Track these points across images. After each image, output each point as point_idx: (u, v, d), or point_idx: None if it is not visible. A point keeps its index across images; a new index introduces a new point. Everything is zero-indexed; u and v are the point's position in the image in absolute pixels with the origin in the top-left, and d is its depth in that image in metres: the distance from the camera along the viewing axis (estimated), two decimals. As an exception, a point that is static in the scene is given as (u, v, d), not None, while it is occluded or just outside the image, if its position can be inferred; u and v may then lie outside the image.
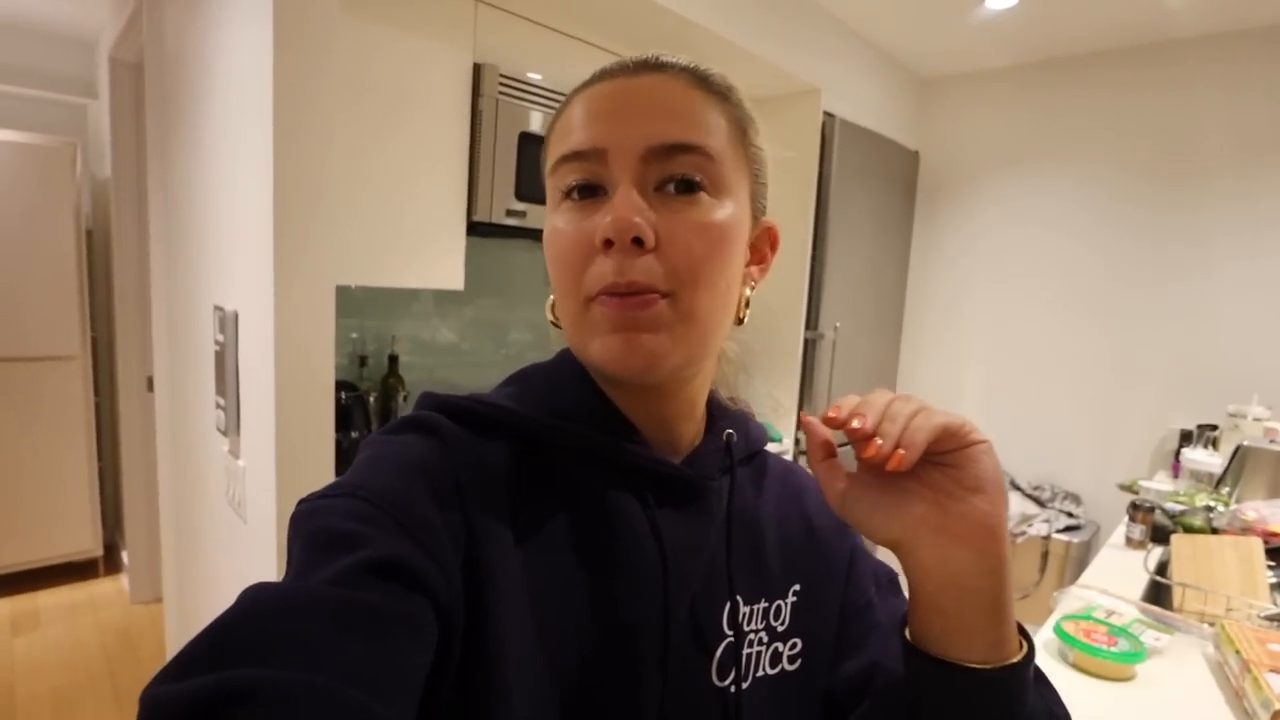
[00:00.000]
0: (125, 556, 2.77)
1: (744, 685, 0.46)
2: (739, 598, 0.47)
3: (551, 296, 0.47)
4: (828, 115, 2.26)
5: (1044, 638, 1.14)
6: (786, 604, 0.49)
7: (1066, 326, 2.60)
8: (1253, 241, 2.26)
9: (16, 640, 2.40)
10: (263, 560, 1.29)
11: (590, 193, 0.42)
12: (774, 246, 0.51)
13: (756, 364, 2.25)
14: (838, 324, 2.35)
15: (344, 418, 1.68)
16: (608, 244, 0.40)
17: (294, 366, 1.23)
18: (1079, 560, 2.33)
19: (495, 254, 2.13)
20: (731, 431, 0.50)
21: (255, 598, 0.31)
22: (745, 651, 0.46)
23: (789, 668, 0.48)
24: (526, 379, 0.49)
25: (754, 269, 0.49)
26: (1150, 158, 2.40)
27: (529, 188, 1.76)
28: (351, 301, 1.87)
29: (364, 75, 1.44)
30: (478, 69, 1.67)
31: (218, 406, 1.45)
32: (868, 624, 0.51)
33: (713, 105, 0.44)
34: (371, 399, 1.84)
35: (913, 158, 2.79)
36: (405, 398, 1.90)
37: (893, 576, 0.55)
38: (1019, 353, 2.71)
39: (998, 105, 2.70)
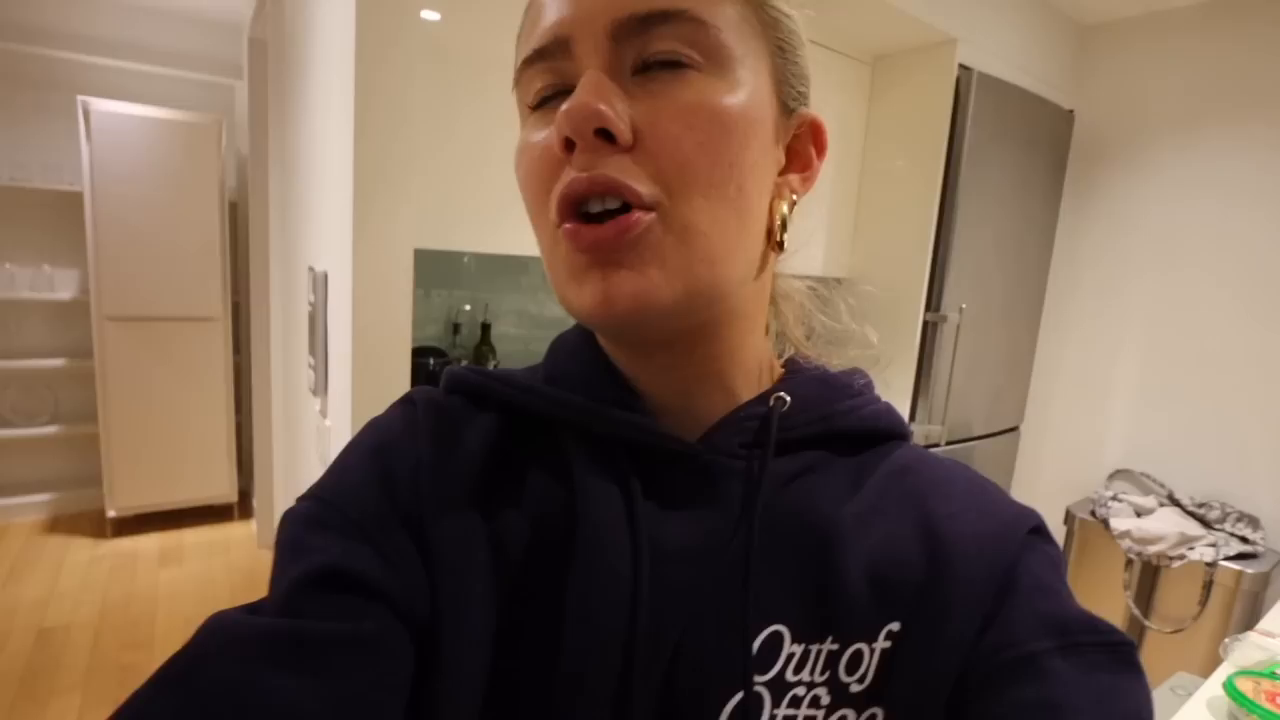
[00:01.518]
0: (255, 504, 3.02)
1: None
2: (783, 629, 0.32)
3: None
4: (964, 69, 1.99)
5: (1210, 694, 0.93)
6: (873, 651, 0.32)
7: (1250, 318, 2.18)
8: None
9: (163, 572, 2.67)
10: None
11: (559, 98, 0.32)
12: (820, 148, 0.38)
13: (870, 345, 2.02)
14: (964, 305, 2.10)
15: (432, 382, 1.69)
16: (568, 145, 0.30)
17: (371, 328, 1.23)
18: (1253, 595, 1.96)
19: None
20: (784, 395, 0.37)
21: (206, 637, 0.29)
22: (783, 712, 0.31)
23: None
24: (556, 342, 0.43)
25: (793, 177, 0.37)
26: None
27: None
28: (461, 271, 1.88)
29: (441, 38, 1.41)
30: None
31: (309, 366, 1.49)
32: (1018, 701, 0.29)
33: None
34: (463, 364, 1.85)
35: (1066, 117, 2.43)
36: (495, 365, 1.89)
37: (1103, 637, 0.32)
38: (1186, 347, 2.31)
39: (1174, 53, 2.29)
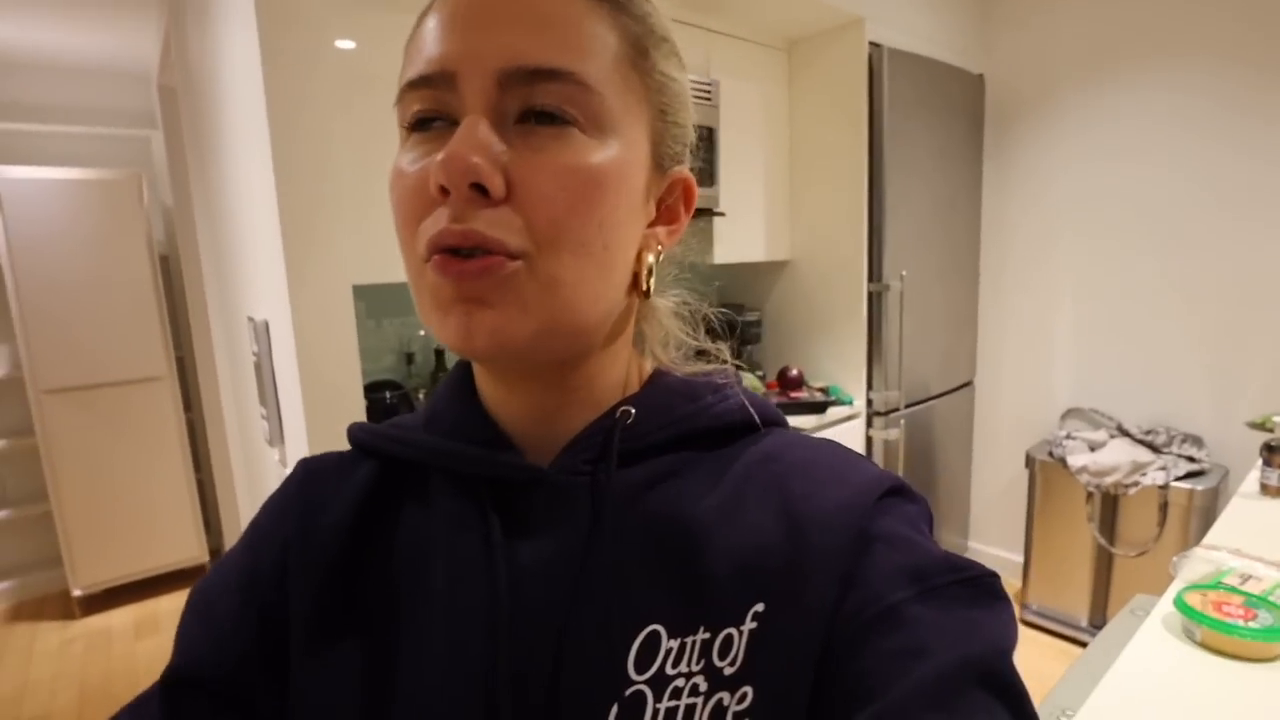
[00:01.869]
0: (228, 561, 2.94)
1: None
2: (659, 628, 0.34)
3: None
4: (874, 46, 2.05)
5: (1164, 611, 0.98)
6: (741, 633, 0.33)
7: (1172, 251, 2.29)
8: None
9: (140, 644, 2.59)
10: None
11: (437, 124, 0.33)
12: (689, 204, 0.40)
13: (818, 322, 2.08)
14: (904, 272, 2.16)
15: (390, 417, 1.68)
16: (444, 191, 0.31)
17: (319, 372, 1.21)
18: (1205, 510, 2.07)
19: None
20: (629, 409, 0.39)
21: None
22: (664, 705, 0.32)
23: None
24: (440, 384, 0.44)
25: (660, 230, 0.39)
26: (1266, 48, 2.06)
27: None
28: (402, 299, 1.86)
29: (364, 73, 1.40)
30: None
31: (262, 417, 1.47)
32: (884, 651, 0.31)
33: (601, 16, 0.34)
34: (420, 394, 1.84)
35: (976, 82, 2.52)
36: (454, 392, 1.88)
37: (961, 574, 0.33)
38: (1118, 286, 2.42)
39: (1074, 11, 2.38)
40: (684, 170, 0.40)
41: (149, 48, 2.71)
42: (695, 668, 0.33)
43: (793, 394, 2.09)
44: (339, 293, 1.22)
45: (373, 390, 1.68)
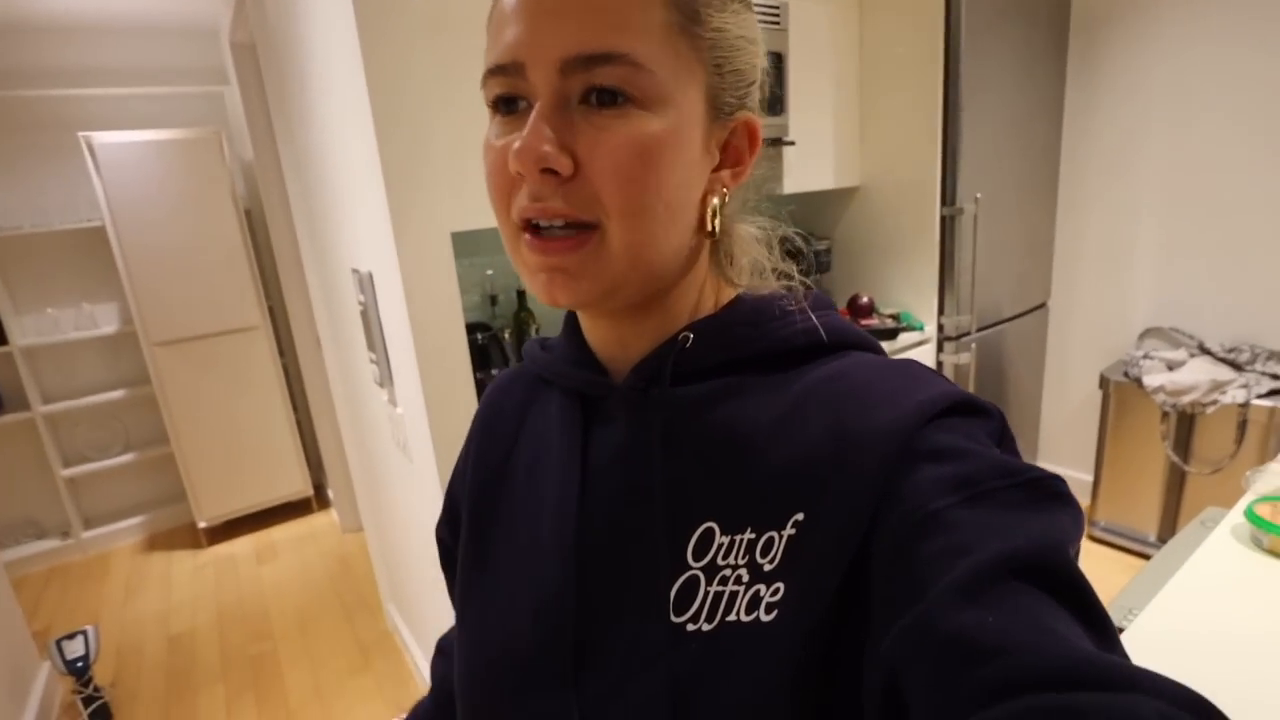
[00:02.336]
0: (330, 494, 3.20)
1: (706, 627, 0.38)
2: (714, 525, 0.39)
3: None
4: (949, -47, 1.96)
5: (1234, 521, 1.02)
6: (782, 537, 0.37)
7: (1261, 161, 2.16)
8: None
9: (262, 569, 2.89)
10: (430, 496, 1.44)
11: (514, 105, 0.39)
12: (754, 143, 0.44)
13: (889, 248, 2.09)
14: (978, 195, 2.12)
15: (483, 357, 1.79)
16: (520, 175, 0.37)
17: (426, 317, 1.31)
18: (1289, 427, 2.04)
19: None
20: (688, 334, 0.43)
21: None
22: (714, 589, 0.38)
23: (764, 618, 0.36)
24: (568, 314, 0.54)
25: (725, 173, 0.43)
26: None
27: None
28: (482, 241, 1.94)
29: (442, 8, 1.43)
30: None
31: (370, 361, 1.60)
32: (924, 556, 0.30)
33: None
34: (506, 335, 1.94)
35: (1060, -15, 2.37)
36: (537, 330, 1.98)
37: (1018, 478, 0.33)
38: (1202, 198, 2.31)
39: (1168, -105, 2.20)
40: (747, 113, 0.43)
41: (218, 6, 2.78)
42: (741, 561, 0.38)
43: (863, 321, 2.11)
44: (439, 241, 1.31)
45: (466, 332, 1.79)
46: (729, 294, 0.47)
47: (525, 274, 0.41)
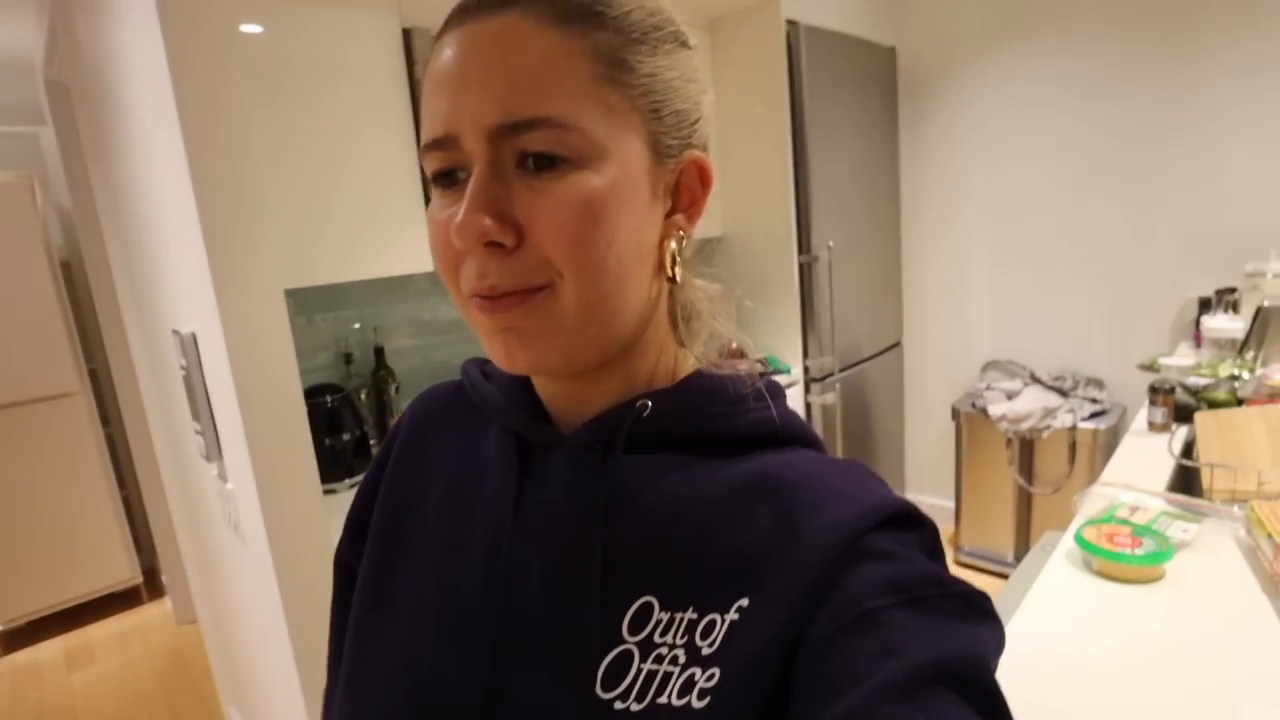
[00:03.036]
0: (165, 580, 2.83)
1: (635, 707, 0.36)
2: (653, 599, 0.37)
3: None
4: (790, 24, 2.10)
5: (1066, 546, 1.09)
6: (724, 620, 0.36)
7: (1069, 207, 2.46)
8: (1253, 87, 2.09)
9: (74, 677, 2.48)
10: (264, 580, 1.28)
11: (454, 177, 0.37)
12: (705, 183, 0.42)
13: (753, 295, 2.14)
14: (831, 243, 2.25)
15: (332, 421, 1.65)
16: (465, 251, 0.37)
17: (255, 382, 1.18)
18: (1108, 446, 2.27)
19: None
20: (647, 402, 0.41)
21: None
22: (648, 667, 0.36)
23: (696, 704, 0.35)
24: None
25: (679, 216, 0.42)
26: (1142, 13, 2.22)
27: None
28: (340, 294, 1.81)
29: (276, 60, 1.34)
30: (408, 34, 1.56)
31: (196, 433, 1.42)
32: (857, 651, 0.31)
33: (571, 45, 0.35)
34: (363, 395, 1.81)
35: (888, 54, 2.61)
36: (397, 389, 1.86)
37: (950, 589, 0.34)
38: (1024, 242, 2.59)
39: (974, -20, 2.50)
40: (694, 153, 0.41)
41: (31, 38, 2.51)
42: (679, 640, 0.36)
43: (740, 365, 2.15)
44: (270, 300, 1.19)
45: (312, 395, 1.64)
46: (686, 365, 0.46)
47: (484, 339, 0.40)
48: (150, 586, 2.97)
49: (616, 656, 0.37)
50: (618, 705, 0.36)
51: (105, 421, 2.85)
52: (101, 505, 2.81)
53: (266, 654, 1.54)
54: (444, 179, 0.38)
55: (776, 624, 0.34)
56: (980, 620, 0.34)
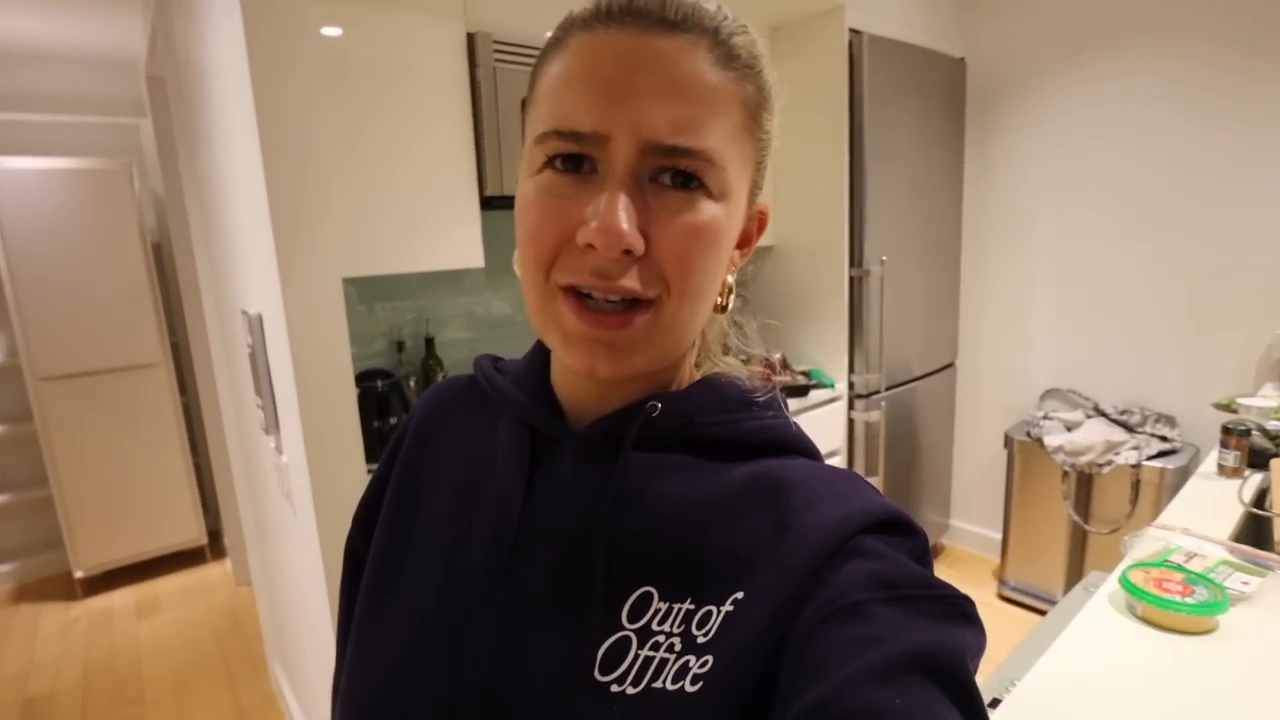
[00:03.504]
0: (226, 543, 3.00)
1: (630, 690, 0.37)
2: (653, 590, 0.39)
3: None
4: (854, 33, 2.07)
5: (1110, 588, 1.04)
6: (720, 612, 0.38)
7: (1148, 234, 2.33)
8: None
9: (141, 624, 2.66)
10: (309, 550, 1.35)
11: (576, 165, 0.38)
12: (762, 228, 0.46)
13: (801, 307, 2.14)
14: (884, 257, 2.20)
15: (381, 405, 1.72)
16: (591, 247, 0.36)
17: (312, 363, 1.25)
18: (1176, 488, 2.13)
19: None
20: (657, 404, 0.43)
21: None
22: (645, 653, 0.38)
23: (689, 689, 0.37)
24: (536, 343, 0.53)
25: (737, 253, 0.45)
26: (1236, 34, 2.09)
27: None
28: (398, 284, 1.89)
29: (347, 60, 1.41)
30: (471, 38, 1.61)
31: (258, 406, 1.51)
32: (841, 638, 0.33)
33: (731, 90, 0.38)
34: (411, 382, 1.88)
35: (958, 66, 2.54)
36: (444, 378, 1.92)
37: (934, 591, 0.36)
38: (1094, 268, 2.46)
39: (1057, -8, 2.40)
40: (763, 202, 0.46)
41: (136, 37, 2.70)
42: (676, 629, 0.38)
43: (774, 377, 2.13)
44: (330, 287, 1.26)
45: (364, 379, 1.72)
46: (697, 370, 0.48)
47: (559, 338, 0.40)
48: (214, 548, 3.16)
49: (615, 642, 0.38)
50: (614, 688, 0.37)
51: (183, 391, 3.04)
52: (175, 469, 3.00)
53: (308, 619, 1.62)
54: (568, 162, 0.38)
55: (768, 616, 0.36)
56: (962, 622, 0.35)
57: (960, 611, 0.36)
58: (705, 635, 0.38)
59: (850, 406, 2.26)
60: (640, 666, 0.38)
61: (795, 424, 0.47)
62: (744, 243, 0.45)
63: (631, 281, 0.37)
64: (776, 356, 2.17)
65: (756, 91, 0.40)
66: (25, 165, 2.62)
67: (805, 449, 0.46)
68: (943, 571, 2.63)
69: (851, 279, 2.21)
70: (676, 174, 0.37)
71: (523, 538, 0.43)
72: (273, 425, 1.46)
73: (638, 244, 0.36)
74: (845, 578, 0.35)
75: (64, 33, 2.70)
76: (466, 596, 0.43)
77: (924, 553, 0.40)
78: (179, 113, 1.96)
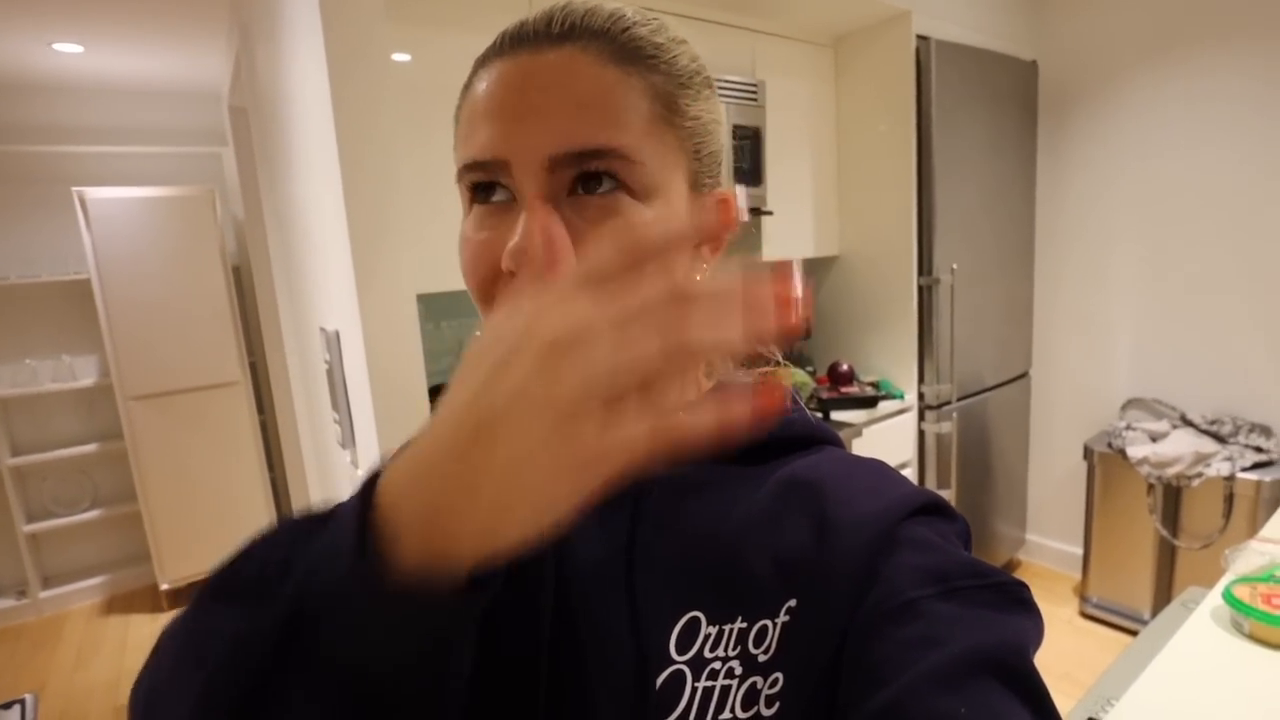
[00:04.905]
0: (300, 554, 3.11)
1: None
2: (700, 615, 0.37)
3: None
4: (921, 39, 2.04)
5: (1213, 604, 0.98)
6: (775, 625, 0.36)
7: (1237, 239, 2.21)
8: None
9: (222, 632, 2.76)
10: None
11: (489, 193, 0.38)
12: (727, 219, 0.44)
13: (868, 317, 2.09)
14: (954, 265, 2.15)
15: (452, 418, 1.76)
16: (514, 272, 0.36)
17: (387, 377, 1.29)
18: (1273, 501, 2.00)
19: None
20: None
21: None
22: (702, 685, 0.35)
23: (765, 712, 0.34)
24: None
25: (704, 249, 0.43)
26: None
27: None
28: (464, 301, 1.93)
29: (417, 83, 1.47)
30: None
31: (335, 421, 1.57)
32: (900, 640, 0.32)
33: (632, 84, 0.37)
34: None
35: (1029, 69, 2.47)
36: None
37: (987, 580, 0.35)
38: (1182, 275, 2.34)
39: (1129, -13, 2.32)
40: (722, 190, 0.43)
41: (219, 69, 2.87)
42: (732, 653, 0.36)
43: (843, 389, 2.10)
44: (404, 303, 1.30)
45: (435, 394, 1.77)
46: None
47: None
48: (287, 561, 3.27)
49: (668, 679, 0.35)
50: None
51: (260, 409, 3.17)
52: (253, 485, 3.13)
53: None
54: (482, 193, 0.38)
55: (826, 619, 0.35)
56: (1019, 610, 0.34)
57: (1016, 598, 0.34)
58: (766, 653, 0.36)
59: (920, 418, 2.20)
60: (701, 700, 0.35)
61: (809, 414, 0.46)
62: (710, 237, 0.42)
63: None
64: (844, 367, 2.13)
65: (666, 79, 0.38)
66: (117, 194, 2.79)
67: (830, 438, 0.45)
68: (1019, 590, 2.54)
69: (920, 288, 2.16)
70: (590, 178, 0.36)
71: (557, 582, 0.39)
72: (349, 439, 1.51)
73: (555, 254, 0.34)
74: (896, 573, 0.34)
75: (155, 69, 2.89)
76: (507, 659, 0.39)
77: (967, 536, 0.39)
78: (259, 140, 2.07)
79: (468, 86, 0.40)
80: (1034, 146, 2.54)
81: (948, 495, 2.18)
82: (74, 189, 2.73)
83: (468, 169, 0.38)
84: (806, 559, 0.37)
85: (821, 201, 2.22)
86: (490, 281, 0.38)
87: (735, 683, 0.35)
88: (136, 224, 2.83)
